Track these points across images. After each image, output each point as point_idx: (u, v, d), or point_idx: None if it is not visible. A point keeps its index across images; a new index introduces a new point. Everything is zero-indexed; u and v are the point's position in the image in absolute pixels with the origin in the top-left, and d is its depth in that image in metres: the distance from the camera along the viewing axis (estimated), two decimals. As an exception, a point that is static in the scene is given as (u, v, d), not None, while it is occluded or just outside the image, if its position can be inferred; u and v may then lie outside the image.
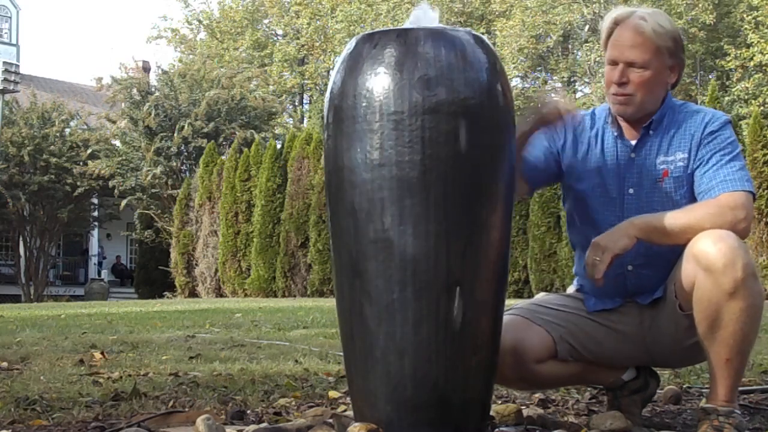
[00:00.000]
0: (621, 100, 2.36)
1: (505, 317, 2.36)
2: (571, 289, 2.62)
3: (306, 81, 34.88)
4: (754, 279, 2.11)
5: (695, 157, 2.34)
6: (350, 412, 2.28)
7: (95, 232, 30.99)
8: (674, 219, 2.23)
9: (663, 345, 2.42)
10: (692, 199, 2.33)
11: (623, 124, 2.43)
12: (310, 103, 36.67)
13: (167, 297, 17.94)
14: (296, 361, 4.15)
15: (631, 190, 2.40)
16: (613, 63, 2.36)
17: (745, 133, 12.05)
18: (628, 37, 2.33)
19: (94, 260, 31.63)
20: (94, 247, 31.76)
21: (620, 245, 2.23)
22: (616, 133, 2.43)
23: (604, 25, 2.41)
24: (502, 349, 2.21)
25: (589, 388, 3.11)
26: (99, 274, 30.85)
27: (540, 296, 2.62)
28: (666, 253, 2.32)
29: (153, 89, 22.08)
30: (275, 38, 37.14)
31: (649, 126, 2.39)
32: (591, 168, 2.44)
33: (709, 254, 2.11)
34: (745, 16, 25.61)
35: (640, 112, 2.38)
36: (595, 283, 2.27)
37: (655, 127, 2.40)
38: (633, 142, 2.41)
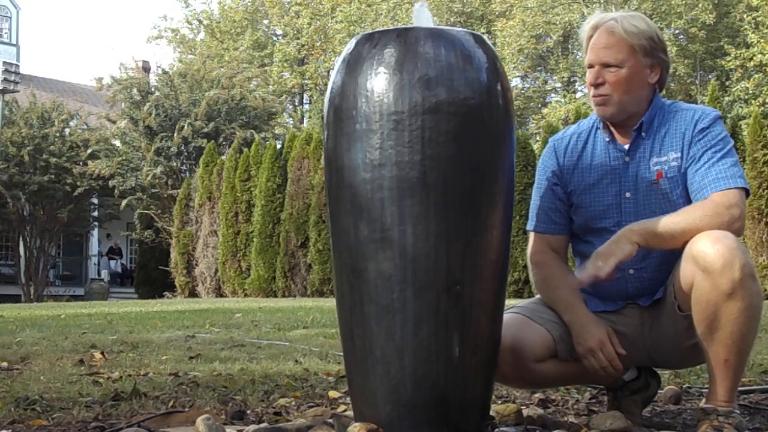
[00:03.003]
0: (599, 101, 2.39)
1: (506, 315, 2.37)
2: None
3: (306, 81, 34.88)
4: (752, 279, 2.11)
5: (687, 155, 2.34)
6: (350, 412, 2.28)
7: (95, 232, 30.97)
8: (671, 223, 2.23)
9: (663, 346, 2.42)
10: (689, 198, 2.33)
11: (614, 129, 2.44)
12: (310, 103, 36.67)
13: (167, 297, 17.94)
14: (296, 361, 4.15)
15: (627, 194, 2.40)
16: (590, 66, 2.40)
17: (745, 133, 12.04)
18: (602, 40, 2.38)
19: (94, 260, 31.61)
20: (94, 247, 31.74)
21: (625, 251, 2.22)
22: (607, 139, 2.44)
23: (583, 33, 2.45)
24: (502, 347, 2.21)
25: (589, 388, 3.11)
26: (99, 273, 30.84)
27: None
28: (666, 256, 2.33)
29: (153, 89, 22.06)
30: (275, 38, 37.14)
31: (640, 128, 2.40)
32: (587, 179, 2.46)
33: (707, 255, 2.11)
34: (744, 16, 25.62)
35: (621, 114, 2.39)
36: (598, 280, 2.26)
37: (646, 129, 2.40)
38: (626, 146, 2.42)
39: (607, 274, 2.22)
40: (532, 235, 2.55)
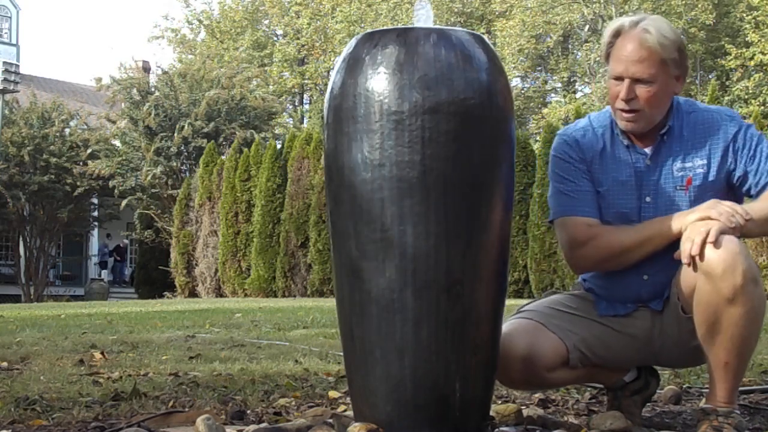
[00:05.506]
0: (629, 117, 2.31)
1: (518, 320, 2.34)
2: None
3: (306, 81, 34.87)
4: (754, 284, 2.09)
5: (724, 162, 2.30)
6: (350, 412, 2.28)
7: (95, 232, 30.97)
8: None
9: (668, 346, 2.41)
10: None
11: (633, 136, 2.38)
12: (310, 103, 36.66)
13: (167, 297, 17.93)
14: (296, 361, 4.15)
15: (648, 198, 2.35)
16: (619, 78, 2.29)
17: (745, 133, 12.03)
18: (633, 51, 2.26)
19: (95, 260, 31.60)
20: (94, 247, 31.73)
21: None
22: (626, 143, 2.38)
23: (605, 36, 2.35)
24: (514, 355, 2.19)
25: (589, 388, 3.11)
26: (99, 274, 30.84)
27: (552, 298, 2.54)
28: (680, 261, 2.29)
29: (153, 89, 22.05)
30: (275, 38, 37.13)
31: (665, 133, 2.35)
32: (606, 180, 2.38)
33: (708, 259, 2.09)
34: (744, 15, 25.62)
35: (648, 127, 2.34)
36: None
37: (668, 133, 2.36)
38: (647, 150, 2.36)
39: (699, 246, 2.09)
40: (568, 221, 2.37)
